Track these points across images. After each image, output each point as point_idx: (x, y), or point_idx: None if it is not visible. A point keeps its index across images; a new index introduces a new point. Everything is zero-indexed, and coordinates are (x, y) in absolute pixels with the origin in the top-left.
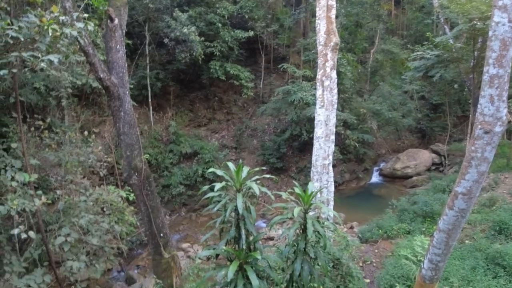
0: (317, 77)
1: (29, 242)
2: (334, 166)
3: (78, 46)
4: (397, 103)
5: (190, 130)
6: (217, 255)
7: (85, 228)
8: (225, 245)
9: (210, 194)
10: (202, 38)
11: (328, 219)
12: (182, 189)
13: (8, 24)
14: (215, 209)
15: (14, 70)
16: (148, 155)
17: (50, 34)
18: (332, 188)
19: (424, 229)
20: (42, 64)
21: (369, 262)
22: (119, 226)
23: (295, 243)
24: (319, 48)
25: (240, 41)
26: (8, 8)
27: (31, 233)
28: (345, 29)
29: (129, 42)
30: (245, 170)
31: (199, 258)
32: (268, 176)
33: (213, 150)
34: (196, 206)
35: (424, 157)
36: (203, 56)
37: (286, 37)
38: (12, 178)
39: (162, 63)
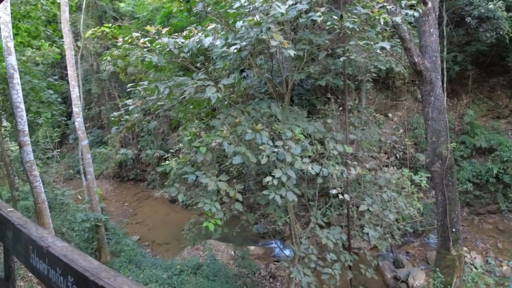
0: None
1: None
2: None
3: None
4: None
5: (487, 122)
6: None
7: (384, 202)
8: None
9: None
10: (510, 14)
11: None
12: (469, 186)
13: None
14: None
15: (352, 57)
16: None
17: (382, 23)
18: None
19: None
20: (378, 51)
21: None
22: (412, 209)
23: None
24: None
25: None
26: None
27: (346, 196)
28: None
29: None
30: None
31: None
32: None
33: None
34: (481, 209)
35: None
36: (511, 34)
37: None
38: (333, 148)
39: (459, 44)
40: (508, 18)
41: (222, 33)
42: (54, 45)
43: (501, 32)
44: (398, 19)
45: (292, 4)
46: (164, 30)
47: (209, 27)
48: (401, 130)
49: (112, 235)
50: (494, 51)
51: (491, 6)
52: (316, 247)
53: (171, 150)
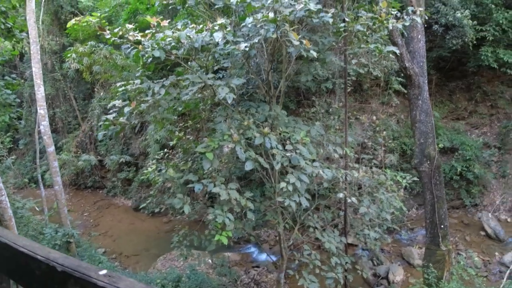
0: None
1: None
2: None
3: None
4: None
5: (447, 123)
6: None
7: (381, 203)
8: None
9: None
10: (474, 22)
11: None
12: None
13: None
14: None
15: (328, 59)
16: (403, 144)
17: (391, 27)
18: None
19: None
20: (390, 54)
21: None
22: (404, 208)
23: None
24: None
25: None
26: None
27: (354, 199)
28: None
29: None
30: None
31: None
32: None
33: (475, 147)
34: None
35: None
36: (474, 42)
37: None
38: (334, 151)
39: None
40: (472, 27)
41: (228, 29)
42: (14, 39)
43: (465, 39)
44: (399, 25)
45: (305, 4)
46: (164, 23)
47: (218, 21)
48: (384, 132)
49: (83, 251)
50: (454, 57)
51: (458, 14)
52: (317, 252)
53: (173, 155)
